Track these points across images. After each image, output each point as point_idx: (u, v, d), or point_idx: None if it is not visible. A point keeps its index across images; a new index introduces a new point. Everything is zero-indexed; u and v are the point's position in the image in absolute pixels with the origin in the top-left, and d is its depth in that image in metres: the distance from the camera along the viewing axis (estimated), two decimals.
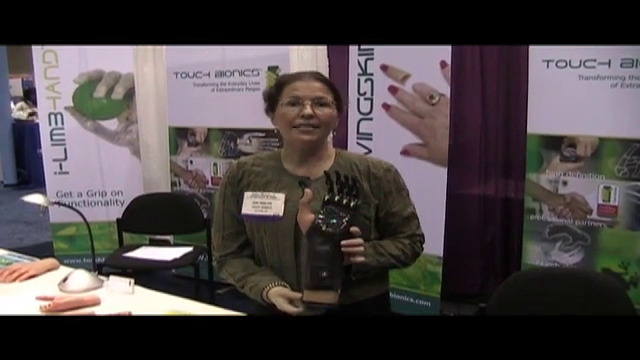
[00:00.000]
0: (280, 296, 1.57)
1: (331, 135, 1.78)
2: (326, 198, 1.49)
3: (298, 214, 1.55)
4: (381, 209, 1.68)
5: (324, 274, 1.45)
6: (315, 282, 1.46)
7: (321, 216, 1.48)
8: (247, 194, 1.69)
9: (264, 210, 1.65)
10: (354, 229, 1.51)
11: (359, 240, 1.52)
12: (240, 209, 1.70)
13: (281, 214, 1.63)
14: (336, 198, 1.48)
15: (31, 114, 8.44)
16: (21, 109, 8.51)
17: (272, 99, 1.67)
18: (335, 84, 1.68)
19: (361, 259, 1.53)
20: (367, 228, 1.64)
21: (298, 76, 1.65)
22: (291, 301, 1.55)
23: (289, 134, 1.64)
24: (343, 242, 1.48)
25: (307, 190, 1.54)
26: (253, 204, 1.67)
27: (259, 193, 1.68)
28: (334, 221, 1.47)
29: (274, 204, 1.65)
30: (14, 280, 2.00)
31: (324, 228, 1.47)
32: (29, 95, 8.84)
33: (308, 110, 1.58)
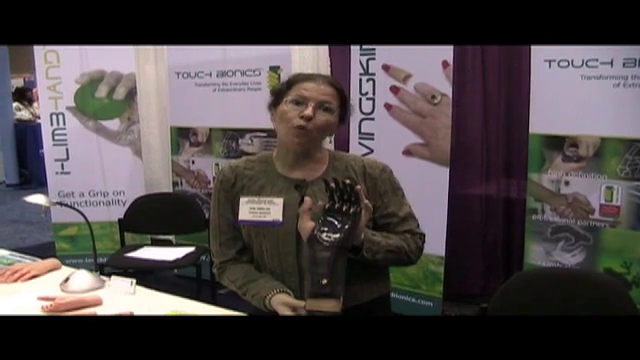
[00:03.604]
0: (283, 304, 1.54)
1: (328, 139, 1.75)
2: (326, 206, 1.47)
3: (298, 222, 1.52)
4: (377, 210, 1.64)
5: (324, 281, 1.43)
6: (316, 289, 1.44)
7: (321, 223, 1.46)
8: (243, 200, 1.66)
9: (263, 216, 1.62)
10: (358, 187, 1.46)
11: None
12: (236, 214, 1.68)
13: (281, 219, 1.61)
14: (336, 205, 1.46)
15: (32, 114, 8.43)
16: (18, 109, 8.48)
17: (279, 95, 1.62)
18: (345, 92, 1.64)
19: (368, 203, 1.47)
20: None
21: (311, 77, 1.61)
22: (294, 309, 1.52)
23: (285, 135, 1.60)
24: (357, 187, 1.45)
25: (307, 198, 1.51)
26: (250, 210, 1.64)
27: (255, 198, 1.64)
28: (334, 227, 1.45)
29: (273, 209, 1.61)
30: (16, 280, 2.00)
31: (324, 236, 1.45)
32: (25, 95, 8.78)
33: (309, 111, 1.54)
